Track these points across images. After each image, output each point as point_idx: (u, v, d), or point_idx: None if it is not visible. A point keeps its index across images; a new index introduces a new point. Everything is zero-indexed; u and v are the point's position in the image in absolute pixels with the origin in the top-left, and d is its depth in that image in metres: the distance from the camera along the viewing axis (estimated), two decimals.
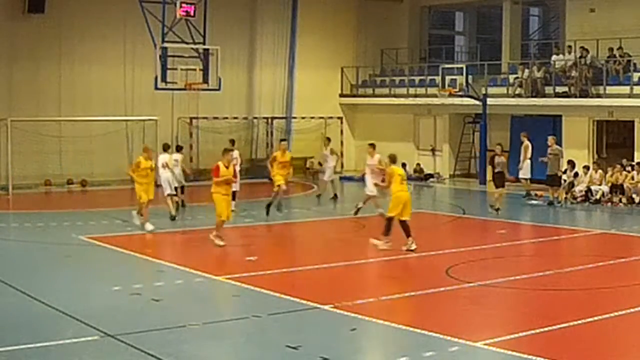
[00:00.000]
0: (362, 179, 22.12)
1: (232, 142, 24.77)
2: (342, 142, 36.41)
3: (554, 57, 30.90)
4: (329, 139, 29.02)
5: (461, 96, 31.37)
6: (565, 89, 29.66)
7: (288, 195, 25.37)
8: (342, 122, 37.24)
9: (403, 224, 17.29)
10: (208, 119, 33.45)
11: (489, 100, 31.09)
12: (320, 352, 10.72)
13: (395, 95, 35.59)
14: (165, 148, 22.81)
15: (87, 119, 30.35)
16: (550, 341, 11.23)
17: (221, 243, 17.72)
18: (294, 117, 35.26)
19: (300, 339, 11.25)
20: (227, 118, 34.08)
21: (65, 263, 16.94)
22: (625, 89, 27.96)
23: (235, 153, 21.18)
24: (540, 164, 26.11)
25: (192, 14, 28.69)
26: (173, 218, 21.56)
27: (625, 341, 11.47)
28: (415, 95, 34.65)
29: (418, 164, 34.06)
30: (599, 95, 28.46)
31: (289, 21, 34.68)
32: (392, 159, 18.02)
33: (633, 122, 27.98)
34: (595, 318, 12.25)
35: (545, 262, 17.21)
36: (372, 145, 21.61)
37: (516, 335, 11.45)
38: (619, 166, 25.97)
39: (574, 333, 11.64)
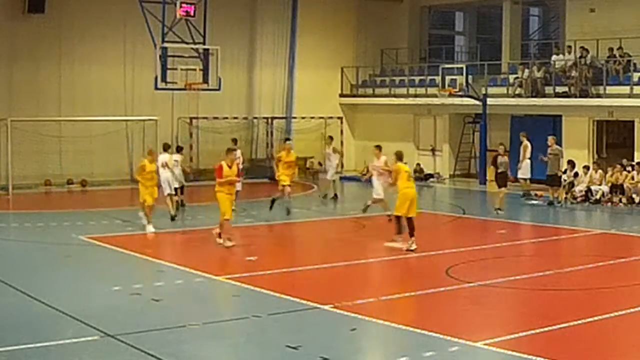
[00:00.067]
0: (369, 182, 21.94)
1: (235, 141, 24.77)
2: (342, 142, 36.38)
3: (554, 57, 30.90)
4: (331, 138, 29.10)
5: (461, 96, 31.37)
6: (565, 89, 29.66)
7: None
8: (342, 122, 37.24)
9: (409, 221, 17.28)
10: (208, 119, 33.44)
11: (489, 100, 31.08)
12: (320, 352, 10.72)
13: (395, 95, 35.59)
14: (166, 148, 22.83)
15: (87, 119, 30.35)
16: (550, 341, 11.23)
17: (230, 243, 17.67)
18: (294, 117, 35.25)
19: (300, 339, 11.26)
20: (227, 118, 34.08)
21: (65, 263, 16.95)
22: (625, 89, 27.96)
23: (238, 152, 21.11)
24: (540, 163, 26.11)
25: (192, 14, 28.69)
26: (173, 218, 21.56)
27: (625, 341, 11.47)
28: (415, 95, 34.65)
29: (418, 164, 34.07)
30: (599, 95, 28.46)
31: (289, 21, 34.68)
32: (399, 156, 17.99)
33: (633, 122, 27.99)
34: (595, 318, 12.25)
35: (545, 262, 17.21)
36: (379, 147, 21.27)
37: (516, 335, 11.45)
38: (619, 166, 25.98)
39: (574, 333, 11.64)
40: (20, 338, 11.21)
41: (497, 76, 33.40)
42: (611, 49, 28.96)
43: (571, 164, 26.82)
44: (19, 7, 29.63)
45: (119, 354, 10.76)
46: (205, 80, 29.40)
